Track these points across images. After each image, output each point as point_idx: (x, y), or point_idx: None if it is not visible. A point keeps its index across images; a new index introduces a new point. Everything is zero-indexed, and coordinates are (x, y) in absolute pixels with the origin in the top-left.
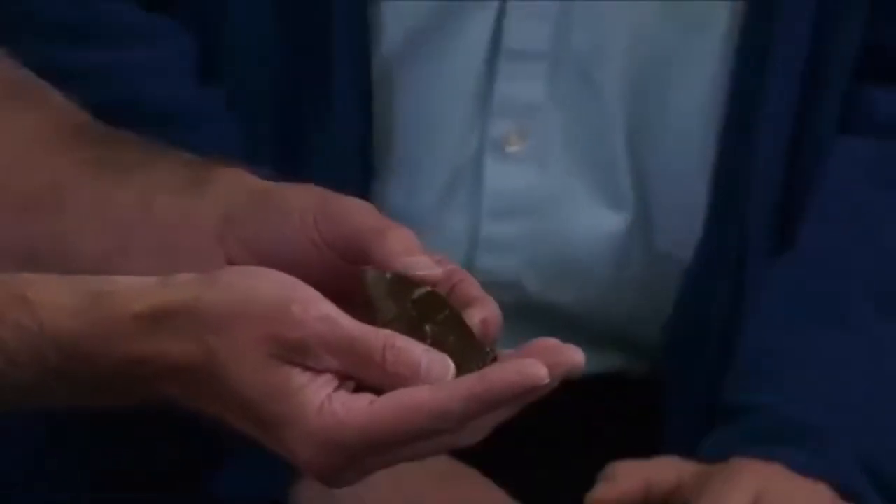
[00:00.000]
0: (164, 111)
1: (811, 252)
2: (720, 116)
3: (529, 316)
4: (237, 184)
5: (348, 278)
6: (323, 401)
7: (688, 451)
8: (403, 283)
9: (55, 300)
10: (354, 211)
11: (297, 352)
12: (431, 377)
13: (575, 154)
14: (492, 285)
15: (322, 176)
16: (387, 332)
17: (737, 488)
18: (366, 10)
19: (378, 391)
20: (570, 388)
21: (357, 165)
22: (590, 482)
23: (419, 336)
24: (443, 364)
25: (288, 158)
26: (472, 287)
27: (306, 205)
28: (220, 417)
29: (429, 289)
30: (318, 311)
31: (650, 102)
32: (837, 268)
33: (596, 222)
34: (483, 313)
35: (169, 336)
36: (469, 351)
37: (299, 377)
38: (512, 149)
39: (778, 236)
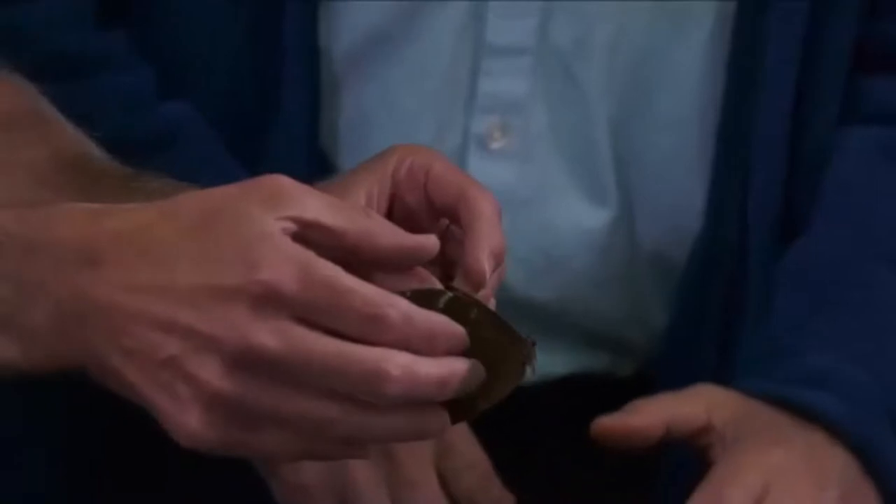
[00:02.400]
0: (76, 60)
1: (828, 232)
2: (714, 115)
3: (513, 313)
4: None
5: None
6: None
7: (681, 452)
8: (425, 296)
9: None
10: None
11: (275, 196)
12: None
13: (559, 149)
14: None
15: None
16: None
17: (740, 484)
18: (316, 10)
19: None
20: (556, 388)
21: (308, 166)
22: (577, 481)
23: None
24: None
25: (240, 159)
26: (441, 178)
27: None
28: (142, 284)
29: (451, 294)
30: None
31: (635, 100)
32: (855, 242)
33: (579, 218)
34: (487, 244)
35: (124, 210)
36: (509, 344)
37: (278, 225)
38: (496, 144)
39: (780, 231)
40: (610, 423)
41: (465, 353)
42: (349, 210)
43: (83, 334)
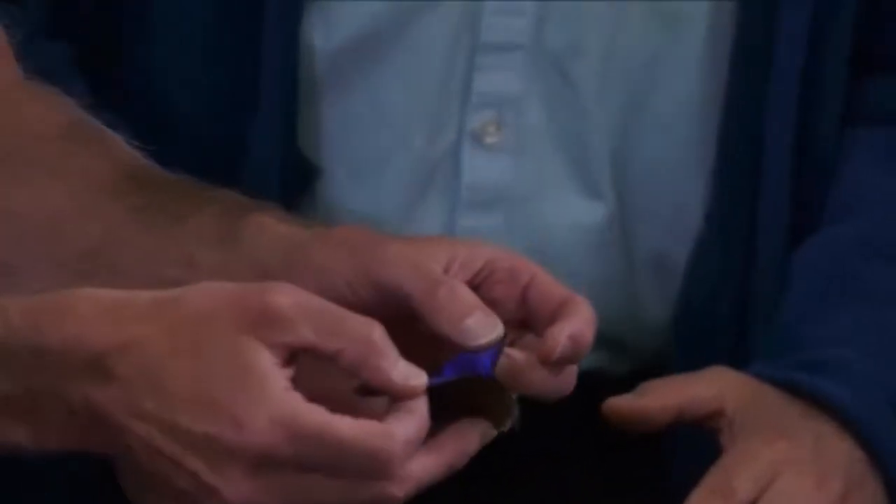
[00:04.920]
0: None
1: (834, 241)
2: (714, 115)
3: None
4: (269, 237)
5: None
6: (289, 384)
7: (691, 449)
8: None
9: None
10: (396, 264)
11: (271, 323)
12: (406, 372)
13: (554, 145)
14: None
15: (255, 177)
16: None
17: (748, 473)
18: (301, 7)
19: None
20: None
21: (285, 166)
22: (575, 480)
23: None
24: (418, 371)
25: (219, 162)
26: (546, 285)
27: (344, 262)
28: (143, 422)
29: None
30: (294, 287)
31: (631, 101)
32: (867, 241)
33: (574, 215)
34: (570, 327)
35: (128, 318)
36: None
37: (267, 360)
38: (491, 140)
39: (789, 232)
40: (621, 403)
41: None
42: (352, 323)
43: (98, 436)
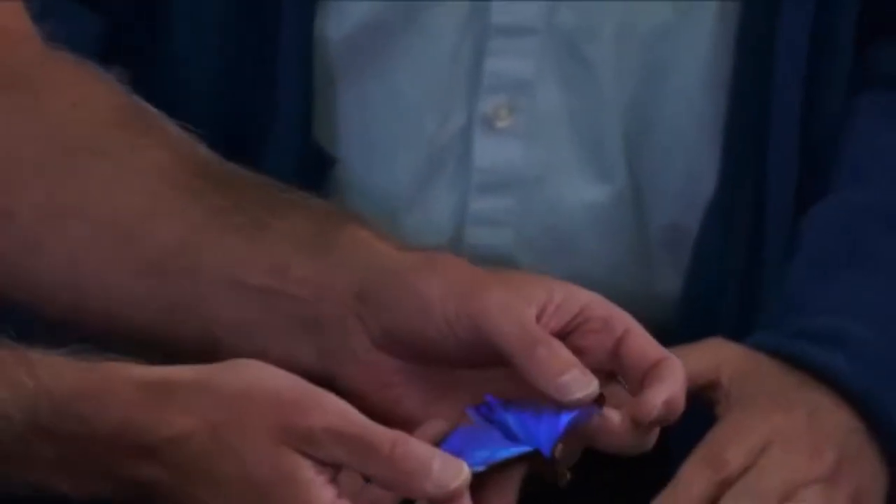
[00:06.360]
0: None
1: (840, 208)
2: (725, 86)
3: None
4: (368, 254)
5: (488, 366)
6: (334, 496)
7: (696, 426)
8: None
9: (56, 361)
10: (498, 314)
11: (305, 441)
12: (442, 480)
13: (566, 128)
14: (483, 261)
15: (272, 165)
16: (398, 431)
17: (740, 446)
18: (314, 4)
19: None
20: None
21: (302, 158)
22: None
23: None
24: (456, 468)
25: (236, 149)
26: (642, 342)
27: (446, 299)
28: (201, 502)
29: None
30: (330, 402)
31: (646, 80)
32: (869, 207)
33: (586, 195)
34: (666, 391)
35: (172, 408)
36: None
37: (308, 469)
38: (502, 124)
39: (797, 196)
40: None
41: None
42: (378, 446)
43: (155, 497)
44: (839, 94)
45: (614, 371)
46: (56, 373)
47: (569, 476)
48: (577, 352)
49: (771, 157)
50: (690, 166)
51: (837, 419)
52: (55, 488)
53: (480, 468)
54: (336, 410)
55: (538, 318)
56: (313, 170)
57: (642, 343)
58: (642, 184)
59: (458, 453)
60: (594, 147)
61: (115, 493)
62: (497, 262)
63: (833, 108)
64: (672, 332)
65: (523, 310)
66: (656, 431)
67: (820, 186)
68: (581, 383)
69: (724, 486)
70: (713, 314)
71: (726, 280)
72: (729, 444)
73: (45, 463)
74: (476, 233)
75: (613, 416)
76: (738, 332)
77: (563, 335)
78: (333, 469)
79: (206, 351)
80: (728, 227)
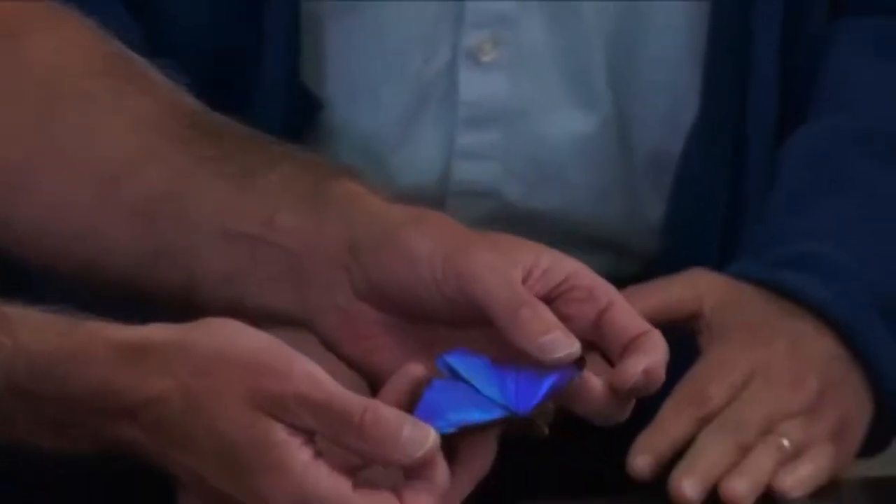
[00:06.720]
0: None
1: (820, 133)
2: (706, 9)
3: (513, 225)
4: (361, 209)
5: (469, 326)
6: (309, 458)
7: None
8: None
9: (35, 320)
10: (484, 274)
11: (277, 406)
12: (409, 448)
13: (549, 59)
14: (471, 195)
15: (260, 109)
16: (369, 399)
17: (722, 382)
18: None
19: None
20: None
21: (289, 100)
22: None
23: None
24: (424, 435)
25: (223, 94)
26: (624, 315)
27: (434, 257)
28: (180, 465)
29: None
30: (301, 368)
31: (629, 11)
32: (846, 135)
33: (571, 124)
34: (646, 360)
35: (147, 369)
36: None
37: (280, 432)
38: (486, 58)
39: (778, 122)
40: None
41: None
42: (348, 417)
43: (136, 455)
44: (819, 21)
45: (595, 342)
46: (34, 333)
47: (547, 431)
48: (561, 319)
49: (752, 83)
50: (674, 93)
51: (820, 347)
52: (37, 446)
53: (453, 430)
54: (307, 377)
55: (524, 281)
56: (300, 112)
57: (625, 315)
58: (627, 112)
59: (434, 414)
60: (578, 78)
61: (96, 452)
62: (482, 195)
63: (812, 35)
64: (656, 260)
65: (510, 271)
66: (632, 403)
67: (801, 113)
68: (563, 343)
69: (707, 423)
70: (696, 241)
71: (709, 206)
72: (710, 381)
73: (24, 422)
74: (463, 167)
75: (593, 379)
76: (721, 260)
77: (548, 301)
78: (308, 431)
79: (186, 298)
80: (710, 152)
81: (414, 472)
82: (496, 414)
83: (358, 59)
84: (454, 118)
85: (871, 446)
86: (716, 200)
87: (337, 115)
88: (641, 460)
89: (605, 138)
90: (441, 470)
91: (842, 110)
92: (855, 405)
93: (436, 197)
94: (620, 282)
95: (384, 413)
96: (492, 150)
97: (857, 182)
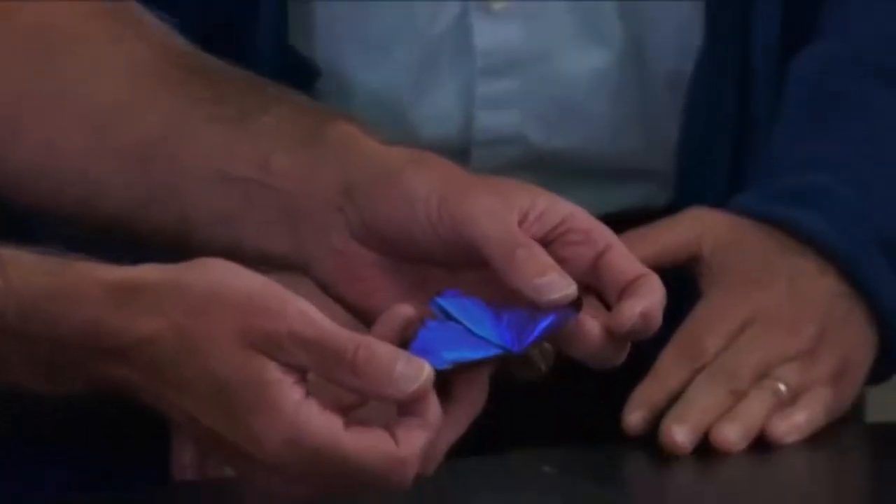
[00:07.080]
0: None
1: (822, 57)
2: None
3: (540, 168)
4: (357, 151)
5: (465, 268)
6: (301, 397)
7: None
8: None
9: (26, 261)
10: (481, 217)
11: (270, 344)
12: (402, 383)
13: (560, 2)
14: (495, 143)
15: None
16: (362, 335)
17: (718, 332)
18: None
19: None
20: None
21: (278, 60)
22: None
23: None
24: (417, 369)
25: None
26: (622, 258)
27: (431, 198)
28: (174, 405)
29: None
30: (294, 306)
31: None
32: (851, 59)
33: (588, 61)
34: (643, 303)
35: (139, 309)
36: None
37: (274, 371)
38: (498, 7)
39: (783, 43)
40: None
41: None
42: (342, 354)
43: (129, 396)
44: None
45: (592, 285)
46: (25, 273)
47: (544, 369)
48: (558, 262)
49: (755, 4)
50: (681, 15)
51: (822, 285)
52: (31, 388)
53: (447, 366)
54: (300, 315)
55: (520, 224)
56: (297, 80)
57: (622, 259)
58: (640, 41)
59: (427, 352)
60: (590, 16)
61: (90, 392)
62: (506, 141)
63: None
64: (671, 182)
65: (506, 214)
66: (628, 346)
67: (805, 35)
68: (559, 285)
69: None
70: (709, 164)
71: (719, 128)
72: (708, 331)
73: (17, 363)
74: (485, 116)
75: (589, 321)
76: (731, 185)
77: (545, 244)
78: (301, 370)
79: (180, 242)
80: (717, 75)
81: (407, 408)
82: (490, 352)
83: (364, 20)
84: (471, 69)
85: (876, 377)
86: (726, 123)
87: (349, 72)
88: (636, 417)
89: (622, 69)
90: (434, 406)
91: (841, 33)
92: (857, 344)
93: (460, 148)
94: (652, 215)
95: (377, 349)
96: (512, 97)
97: (858, 103)
